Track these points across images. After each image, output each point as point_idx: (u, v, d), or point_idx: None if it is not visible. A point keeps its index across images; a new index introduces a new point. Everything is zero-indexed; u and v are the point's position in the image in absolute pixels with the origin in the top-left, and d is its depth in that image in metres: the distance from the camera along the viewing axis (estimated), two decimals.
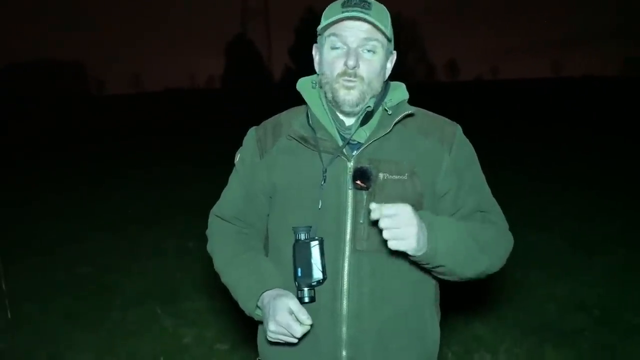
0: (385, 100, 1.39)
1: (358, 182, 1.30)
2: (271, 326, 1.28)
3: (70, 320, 3.83)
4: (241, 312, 1.41)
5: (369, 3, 1.32)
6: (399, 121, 1.36)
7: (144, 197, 7.61)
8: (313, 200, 1.34)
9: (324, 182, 1.33)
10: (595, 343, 3.31)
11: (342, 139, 1.37)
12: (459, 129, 1.43)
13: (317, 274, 1.31)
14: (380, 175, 1.33)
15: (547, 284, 4.18)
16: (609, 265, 4.54)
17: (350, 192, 1.33)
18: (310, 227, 1.33)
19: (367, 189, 1.31)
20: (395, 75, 1.46)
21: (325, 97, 1.37)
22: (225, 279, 1.47)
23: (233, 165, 1.54)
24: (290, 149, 1.40)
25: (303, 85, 1.44)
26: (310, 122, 1.40)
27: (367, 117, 1.36)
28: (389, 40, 1.35)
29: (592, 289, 4.06)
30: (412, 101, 1.43)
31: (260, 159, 1.44)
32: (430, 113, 1.46)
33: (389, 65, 1.41)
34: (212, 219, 1.57)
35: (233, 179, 1.53)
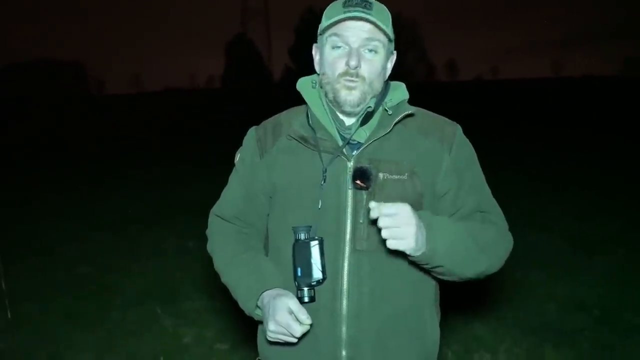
0: (386, 100, 1.39)
1: (358, 182, 1.30)
2: (271, 326, 1.28)
3: (70, 320, 3.83)
4: (241, 311, 1.41)
5: (370, 3, 1.32)
6: (399, 121, 1.35)
7: (144, 197, 7.61)
8: (313, 200, 1.34)
9: (324, 182, 1.33)
10: (595, 343, 3.31)
11: (342, 139, 1.37)
12: (459, 129, 1.43)
13: (317, 273, 1.31)
14: (380, 175, 1.32)
15: (547, 284, 4.18)
16: (609, 265, 4.54)
17: (350, 192, 1.33)
18: (310, 226, 1.33)
19: (367, 188, 1.31)
20: (395, 75, 1.46)
21: (326, 96, 1.37)
22: (225, 278, 1.47)
23: (233, 165, 1.54)
24: (290, 148, 1.40)
25: (303, 85, 1.44)
26: (310, 122, 1.40)
27: (367, 117, 1.36)
28: (390, 40, 1.35)
29: (592, 289, 4.07)
30: (412, 101, 1.43)
31: (260, 159, 1.44)
32: (430, 113, 1.46)
33: (389, 65, 1.41)
34: (212, 218, 1.57)
35: (233, 178, 1.53)
